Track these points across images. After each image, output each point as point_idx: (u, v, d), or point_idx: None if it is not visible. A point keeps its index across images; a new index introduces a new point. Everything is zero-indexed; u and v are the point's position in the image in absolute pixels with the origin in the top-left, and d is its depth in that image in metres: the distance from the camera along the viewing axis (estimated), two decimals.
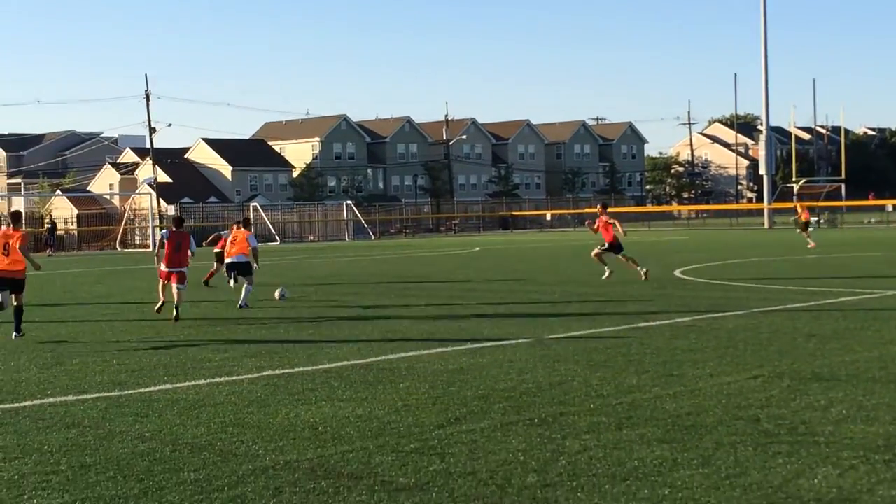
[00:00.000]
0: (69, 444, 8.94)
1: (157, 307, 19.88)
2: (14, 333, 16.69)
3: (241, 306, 21.22)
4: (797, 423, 9.04)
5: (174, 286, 19.41)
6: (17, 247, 16.55)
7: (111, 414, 10.24)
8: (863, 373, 11.36)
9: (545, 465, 7.83)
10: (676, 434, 8.73)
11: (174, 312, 18.92)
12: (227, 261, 22.84)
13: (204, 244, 30.02)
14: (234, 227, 23.93)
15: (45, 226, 65.69)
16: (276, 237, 74.60)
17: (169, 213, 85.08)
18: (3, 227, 17.26)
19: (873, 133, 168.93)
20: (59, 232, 75.18)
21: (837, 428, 8.81)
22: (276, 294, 23.29)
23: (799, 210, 47.71)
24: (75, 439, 9.14)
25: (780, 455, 7.94)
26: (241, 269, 22.36)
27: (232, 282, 23.03)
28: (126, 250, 68.11)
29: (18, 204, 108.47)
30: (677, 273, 27.81)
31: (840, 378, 11.08)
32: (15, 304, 16.81)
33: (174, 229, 20.58)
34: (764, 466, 7.65)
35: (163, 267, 19.76)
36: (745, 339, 14.29)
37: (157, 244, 20.92)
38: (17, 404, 10.91)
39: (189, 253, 20.09)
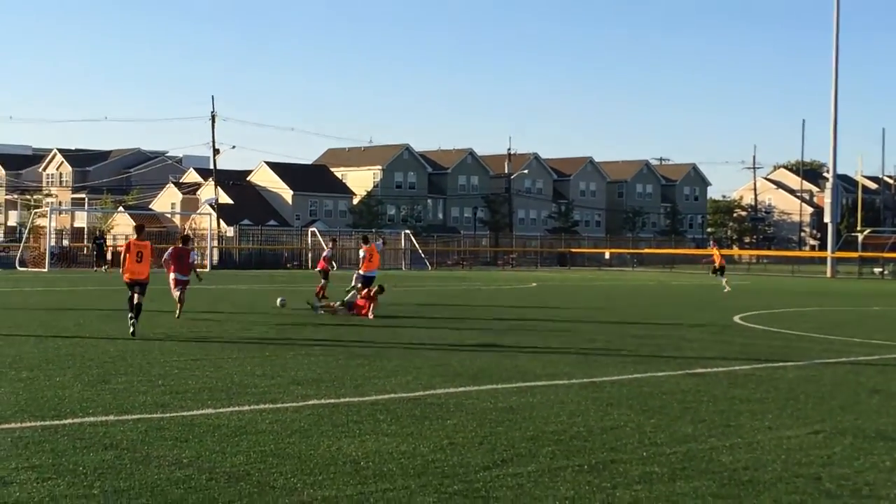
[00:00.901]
0: (105, 467, 8.72)
1: (177, 314, 23.56)
2: (130, 330, 19.87)
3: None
4: (861, 484, 8.61)
5: (176, 291, 23.54)
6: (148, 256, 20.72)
7: (150, 437, 10.02)
8: None
9: None
10: (732, 489, 8.34)
11: (178, 312, 23.50)
12: (371, 273, 27.00)
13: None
14: (362, 244, 28.61)
15: (95, 242, 65.50)
16: (333, 263, 74.63)
17: (228, 235, 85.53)
18: (134, 238, 21.39)
19: None
20: (113, 248, 75.49)
21: None
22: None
23: (714, 255, 47.86)
24: (111, 462, 8.92)
25: None
26: (376, 281, 26.63)
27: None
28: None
29: (81, 218, 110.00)
30: (737, 319, 27.25)
31: None
32: (136, 301, 20.28)
33: (179, 245, 24.28)
34: None
35: (172, 276, 23.53)
36: (807, 391, 13.82)
37: (165, 259, 23.74)
38: (57, 422, 10.72)
39: (191, 263, 23.98)
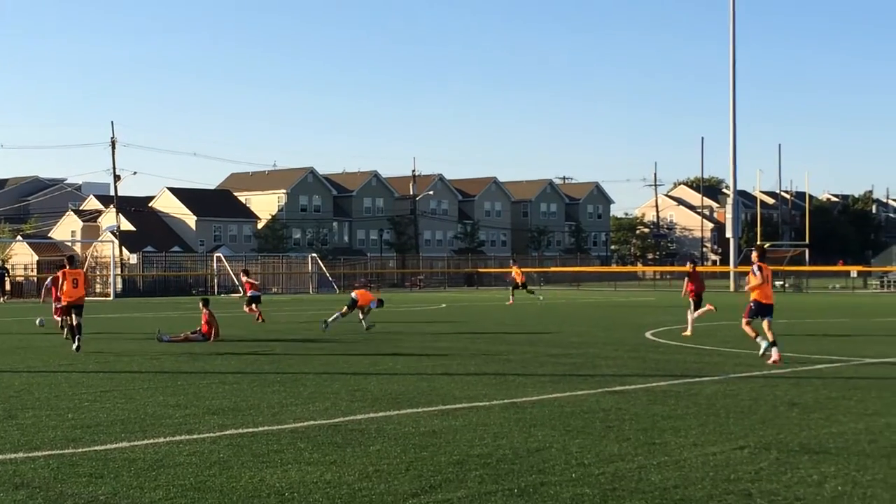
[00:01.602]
0: None
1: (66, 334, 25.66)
2: (74, 345, 22.47)
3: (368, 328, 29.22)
4: (791, 499, 8.59)
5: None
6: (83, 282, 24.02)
7: (63, 474, 9.63)
8: (852, 446, 10.93)
9: None
10: None
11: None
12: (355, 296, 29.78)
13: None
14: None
15: None
16: (240, 289, 73.80)
17: (131, 262, 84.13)
18: (68, 268, 23.98)
19: (836, 199, 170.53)
20: (12, 278, 73.59)
21: None
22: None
23: (514, 272, 52.35)
24: (23, 502, 8.55)
25: None
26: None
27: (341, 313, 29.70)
28: (86, 298, 66.94)
29: None
30: (648, 335, 27.41)
31: (829, 451, 10.64)
32: (75, 323, 23.00)
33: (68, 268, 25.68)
34: None
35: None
36: (726, 406, 13.85)
37: (47, 286, 28.15)
38: None
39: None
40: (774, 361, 19.38)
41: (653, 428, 12.07)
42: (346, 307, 29.87)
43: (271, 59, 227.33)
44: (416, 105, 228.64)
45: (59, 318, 27.30)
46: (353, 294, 30.19)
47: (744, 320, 20.94)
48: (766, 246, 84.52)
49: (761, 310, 20.62)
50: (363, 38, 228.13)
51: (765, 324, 20.35)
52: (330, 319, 29.23)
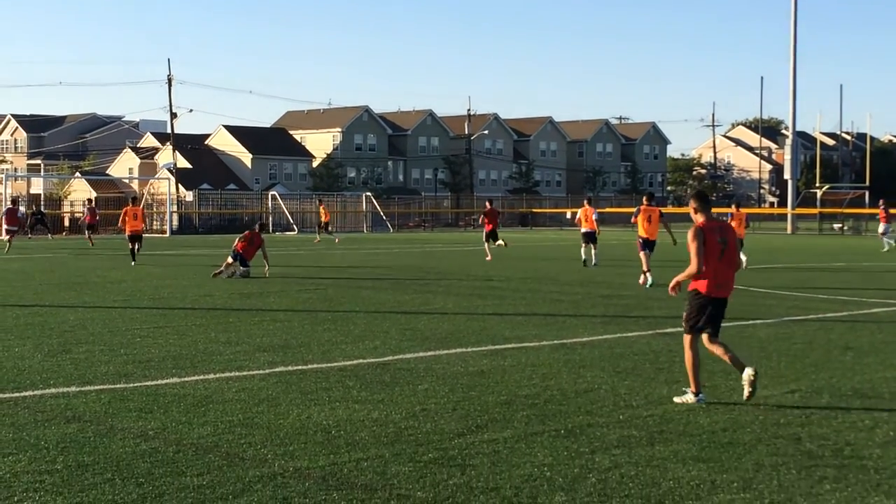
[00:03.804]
0: (67, 441, 8.46)
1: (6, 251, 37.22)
2: (133, 262, 30.37)
3: (595, 265, 30.65)
4: (842, 444, 8.49)
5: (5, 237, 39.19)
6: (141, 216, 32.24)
7: (114, 408, 9.74)
8: None
9: (573, 483, 7.31)
10: (713, 452, 8.19)
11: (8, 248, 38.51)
12: (584, 230, 31.58)
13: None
14: (586, 203, 32.83)
15: (34, 216, 63.55)
16: (294, 227, 74.20)
17: (187, 199, 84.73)
18: (130, 206, 32.44)
19: None
20: (50, 217, 74.30)
21: (885, 451, 8.26)
22: None
23: (321, 211, 56.73)
24: (74, 435, 8.65)
25: (827, 480, 7.40)
26: (592, 238, 31.52)
27: (584, 247, 31.91)
28: (144, 235, 67.41)
29: (38, 185, 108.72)
30: None
31: (883, 396, 10.51)
32: (137, 248, 31.18)
33: (11, 206, 41.43)
34: (810, 493, 7.11)
35: (5, 226, 39.10)
36: (779, 349, 13.71)
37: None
38: (17, 394, 10.43)
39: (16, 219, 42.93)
40: (641, 284, 23.97)
41: (703, 370, 11.94)
42: (587, 244, 31.82)
43: None
44: (472, 43, 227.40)
45: (8, 240, 39.45)
46: (583, 229, 31.71)
47: (640, 252, 24.91)
48: (825, 188, 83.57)
49: (646, 244, 24.96)
50: None
51: (642, 255, 24.68)
52: (594, 262, 30.99)
